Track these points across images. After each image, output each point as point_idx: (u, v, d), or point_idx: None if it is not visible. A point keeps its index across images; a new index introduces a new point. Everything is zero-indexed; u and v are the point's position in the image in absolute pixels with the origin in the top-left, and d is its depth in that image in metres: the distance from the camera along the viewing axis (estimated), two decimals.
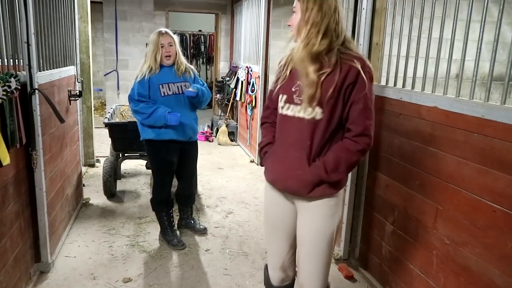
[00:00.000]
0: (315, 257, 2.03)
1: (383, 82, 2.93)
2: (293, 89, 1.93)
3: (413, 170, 2.51)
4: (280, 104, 1.99)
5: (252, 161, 6.19)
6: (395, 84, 2.79)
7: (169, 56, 3.28)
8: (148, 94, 3.28)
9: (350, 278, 3.08)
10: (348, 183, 3.16)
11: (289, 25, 1.99)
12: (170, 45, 3.27)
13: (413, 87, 2.61)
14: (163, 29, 3.32)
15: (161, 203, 3.49)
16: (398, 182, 2.67)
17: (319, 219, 2.00)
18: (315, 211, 2.01)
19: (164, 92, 3.27)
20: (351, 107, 1.85)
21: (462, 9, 2.20)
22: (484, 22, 2.05)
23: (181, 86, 3.34)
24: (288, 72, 1.98)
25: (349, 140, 1.88)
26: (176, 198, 3.72)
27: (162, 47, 3.24)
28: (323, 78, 1.83)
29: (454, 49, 2.28)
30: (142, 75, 3.28)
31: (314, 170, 1.91)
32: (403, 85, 2.70)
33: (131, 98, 3.34)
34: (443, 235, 2.25)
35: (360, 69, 1.80)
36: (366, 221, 3.09)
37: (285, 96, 1.97)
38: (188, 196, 3.70)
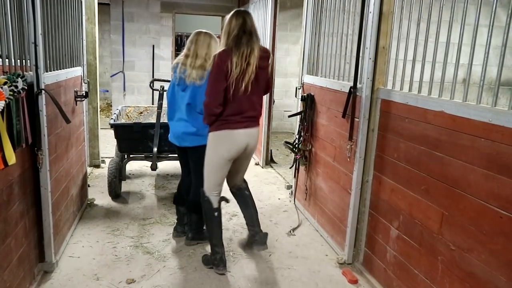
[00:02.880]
0: None
1: (389, 86, 2.92)
2: None
3: (419, 174, 2.50)
4: None
5: (257, 164, 6.18)
6: (401, 88, 2.78)
7: None
8: None
9: (354, 282, 3.06)
10: (353, 187, 3.15)
11: None
12: None
13: (419, 91, 2.60)
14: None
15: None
16: (404, 187, 2.66)
17: None
18: None
19: None
20: None
21: (470, 13, 2.19)
22: (492, 26, 2.03)
23: None
24: None
25: None
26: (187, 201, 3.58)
27: None
28: None
29: (461, 54, 2.26)
30: None
31: None
32: (410, 89, 2.69)
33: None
34: (449, 241, 2.23)
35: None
36: (371, 226, 3.08)
37: None
38: None
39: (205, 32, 3.23)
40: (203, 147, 3.16)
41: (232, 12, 2.96)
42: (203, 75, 3.12)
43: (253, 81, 2.88)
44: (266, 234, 3.33)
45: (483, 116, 2.01)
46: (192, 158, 3.36)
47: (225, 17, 2.97)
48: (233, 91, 2.84)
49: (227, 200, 3.27)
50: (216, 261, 3.11)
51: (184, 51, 3.23)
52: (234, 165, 3.17)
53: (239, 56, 2.81)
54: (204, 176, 3.09)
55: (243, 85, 2.85)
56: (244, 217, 3.39)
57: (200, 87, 3.10)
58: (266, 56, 2.96)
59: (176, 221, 3.73)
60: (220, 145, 2.96)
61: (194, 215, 3.48)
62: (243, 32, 2.86)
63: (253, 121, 3.03)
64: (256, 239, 3.29)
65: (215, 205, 3.11)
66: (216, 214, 3.10)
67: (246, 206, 3.35)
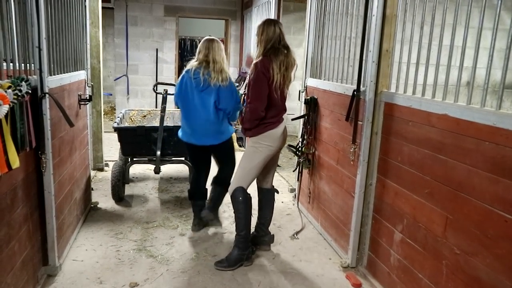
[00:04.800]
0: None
1: (392, 89, 2.91)
2: None
3: (423, 178, 2.49)
4: None
5: None
6: (405, 91, 2.77)
7: None
8: None
9: (358, 286, 3.05)
10: (356, 190, 3.14)
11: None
12: None
13: (423, 94, 2.59)
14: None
15: None
16: (407, 190, 2.65)
17: None
18: None
19: None
20: None
21: (474, 16, 2.18)
22: (496, 29, 2.03)
23: None
24: None
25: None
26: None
27: None
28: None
29: (465, 57, 2.26)
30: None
31: None
32: (413, 92, 2.68)
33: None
34: (453, 245, 2.22)
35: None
36: (375, 229, 3.06)
37: None
38: None
39: (216, 39, 3.59)
40: (227, 141, 3.71)
41: (266, 21, 3.23)
42: (226, 77, 3.53)
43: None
44: (273, 236, 3.62)
45: (487, 119, 2.00)
46: (222, 151, 3.79)
47: (260, 25, 3.22)
48: (272, 96, 3.12)
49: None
50: (250, 254, 3.35)
51: (201, 57, 3.53)
52: (269, 162, 3.37)
53: (278, 64, 3.09)
54: (243, 177, 3.26)
55: (279, 91, 3.14)
56: (260, 216, 3.58)
57: (226, 88, 3.51)
58: (294, 64, 3.26)
59: (193, 218, 3.95)
60: (266, 145, 3.22)
61: (224, 193, 3.87)
62: (279, 43, 3.15)
63: (283, 118, 3.37)
64: (265, 239, 3.57)
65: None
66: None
67: (267, 206, 3.56)
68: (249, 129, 3.21)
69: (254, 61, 3.14)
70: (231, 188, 3.30)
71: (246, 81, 3.19)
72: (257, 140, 3.21)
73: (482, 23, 2.12)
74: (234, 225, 3.58)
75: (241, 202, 3.25)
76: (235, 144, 7.28)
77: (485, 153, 2.02)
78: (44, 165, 2.76)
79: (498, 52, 2.06)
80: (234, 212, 3.32)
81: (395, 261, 2.78)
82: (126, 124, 5.21)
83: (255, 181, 3.42)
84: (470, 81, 2.19)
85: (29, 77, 2.57)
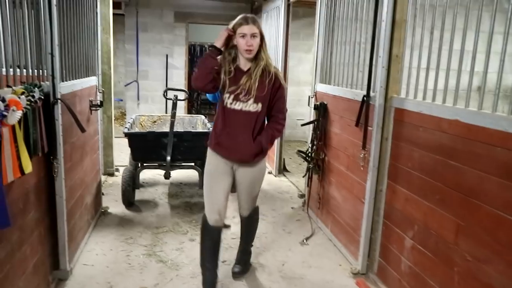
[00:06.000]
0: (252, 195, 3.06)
1: (403, 95, 2.90)
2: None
3: (434, 184, 2.47)
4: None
5: (270, 173, 6.17)
6: (415, 97, 2.76)
7: None
8: None
9: None
10: (367, 196, 3.13)
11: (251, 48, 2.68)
12: None
13: (433, 99, 2.57)
14: None
15: None
16: (418, 196, 2.63)
17: None
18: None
19: None
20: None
21: (484, 20, 2.17)
22: (507, 33, 2.01)
23: None
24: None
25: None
26: None
27: None
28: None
29: (476, 61, 2.24)
30: None
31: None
32: (424, 98, 2.67)
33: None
34: (465, 251, 2.20)
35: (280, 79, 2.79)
36: (385, 235, 3.04)
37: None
38: None
39: None
40: None
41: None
42: None
43: None
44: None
45: (499, 124, 1.98)
46: None
47: (259, 22, 2.82)
48: None
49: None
50: None
51: None
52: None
53: None
54: (257, 196, 3.15)
55: None
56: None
57: None
58: None
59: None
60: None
61: None
62: None
63: None
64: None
65: None
66: None
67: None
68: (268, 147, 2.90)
69: (276, 71, 2.78)
70: (251, 209, 3.15)
71: (265, 92, 2.75)
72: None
73: (493, 27, 2.10)
74: (248, 239, 3.45)
75: (258, 219, 3.32)
76: None
77: (496, 158, 2.00)
78: (56, 170, 2.79)
79: (509, 57, 2.04)
80: (254, 230, 3.33)
81: (406, 268, 2.75)
82: (137, 130, 5.25)
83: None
84: (481, 86, 2.18)
85: (41, 83, 2.61)
